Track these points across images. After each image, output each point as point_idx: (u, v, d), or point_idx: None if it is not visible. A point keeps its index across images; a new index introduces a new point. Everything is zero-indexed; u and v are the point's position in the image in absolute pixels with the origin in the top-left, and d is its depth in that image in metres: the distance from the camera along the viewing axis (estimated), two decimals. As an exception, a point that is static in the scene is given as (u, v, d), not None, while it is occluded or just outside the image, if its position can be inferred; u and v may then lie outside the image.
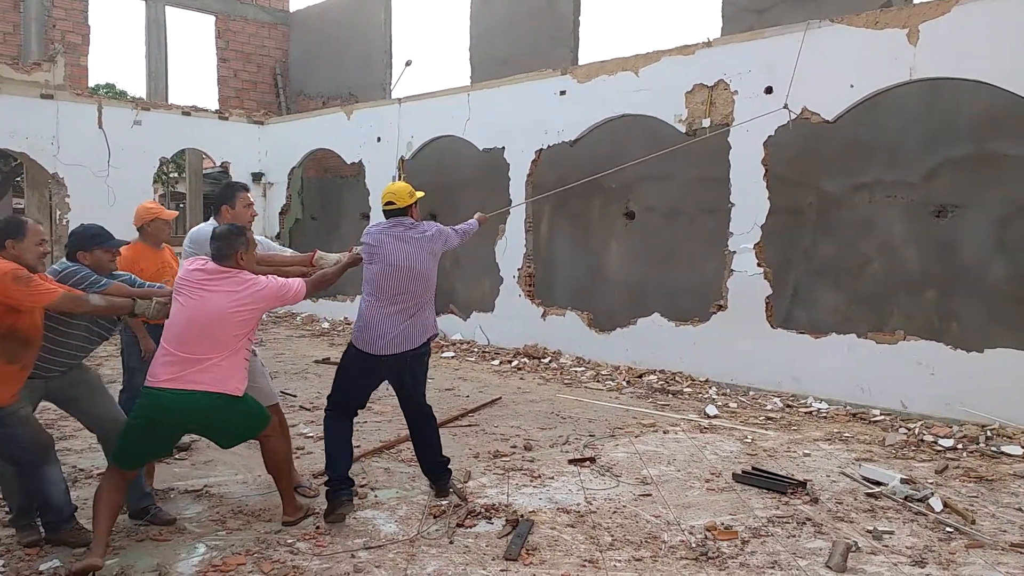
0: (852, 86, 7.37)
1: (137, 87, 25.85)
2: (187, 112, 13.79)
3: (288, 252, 5.13)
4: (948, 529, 4.30)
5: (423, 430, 4.77)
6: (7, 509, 4.33)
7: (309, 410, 7.03)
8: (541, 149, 10.07)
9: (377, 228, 4.56)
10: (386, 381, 4.67)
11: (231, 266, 3.95)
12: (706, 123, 8.41)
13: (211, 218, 4.85)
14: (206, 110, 14.35)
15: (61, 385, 4.01)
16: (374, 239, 4.49)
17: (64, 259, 4.10)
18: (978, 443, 5.99)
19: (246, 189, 4.84)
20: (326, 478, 4.40)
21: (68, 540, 3.89)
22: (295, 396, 7.59)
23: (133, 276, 4.38)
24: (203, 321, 3.80)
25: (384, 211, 4.63)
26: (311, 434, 6.21)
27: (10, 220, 3.79)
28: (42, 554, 3.81)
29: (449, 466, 4.87)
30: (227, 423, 3.95)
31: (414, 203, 4.63)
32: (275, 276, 4.14)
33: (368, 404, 6.71)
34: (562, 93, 9.81)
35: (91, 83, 15.43)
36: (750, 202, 8.04)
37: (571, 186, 8.25)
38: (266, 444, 4.15)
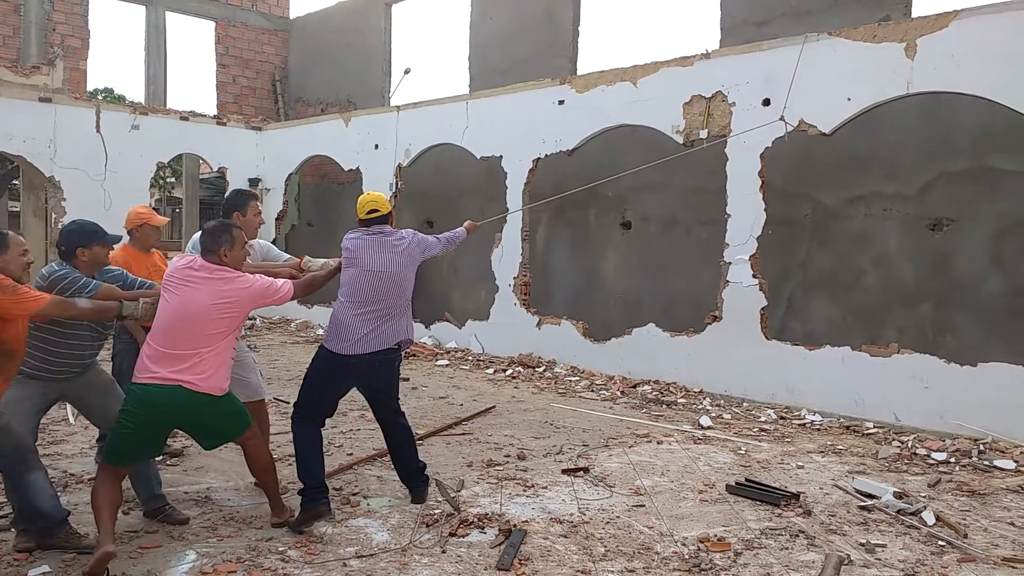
0: (849, 99, 7.41)
1: (135, 91, 25.86)
2: (185, 117, 13.79)
3: (285, 256, 5.21)
4: (940, 543, 4.30)
5: (398, 438, 4.80)
6: (1, 514, 4.33)
7: (303, 417, 7.00)
8: (539, 158, 10.09)
9: (357, 234, 4.66)
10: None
11: (215, 262, 4.01)
12: (703, 134, 8.43)
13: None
14: (204, 115, 14.35)
15: (75, 387, 4.14)
16: (353, 244, 4.60)
17: (54, 262, 4.13)
18: (971, 457, 6.00)
19: (257, 198, 5.02)
20: (301, 487, 4.37)
21: (61, 544, 3.86)
22: (287, 402, 7.55)
23: (125, 272, 4.46)
24: (187, 316, 3.85)
25: (366, 219, 4.69)
26: (304, 441, 6.18)
27: None
28: (32, 560, 3.79)
29: (430, 473, 4.90)
30: (210, 420, 3.99)
31: (390, 211, 4.77)
32: (263, 275, 4.20)
33: (362, 412, 6.72)
34: (560, 103, 9.84)
35: (89, 87, 15.43)
36: (746, 214, 8.06)
37: (565, 195, 8.29)
38: (248, 446, 4.18)
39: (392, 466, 5.43)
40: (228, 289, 3.94)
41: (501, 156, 10.51)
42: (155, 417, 3.83)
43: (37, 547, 3.87)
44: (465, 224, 5.39)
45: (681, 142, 8.69)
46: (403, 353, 4.81)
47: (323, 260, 4.81)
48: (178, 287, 3.93)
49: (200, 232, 4.73)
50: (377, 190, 11.30)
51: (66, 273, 4.01)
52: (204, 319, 3.86)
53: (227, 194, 4.43)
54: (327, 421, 4.70)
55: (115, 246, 4.44)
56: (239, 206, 4.86)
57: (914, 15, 8.44)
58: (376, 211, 4.68)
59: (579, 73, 11.15)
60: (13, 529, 4.00)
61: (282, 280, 4.21)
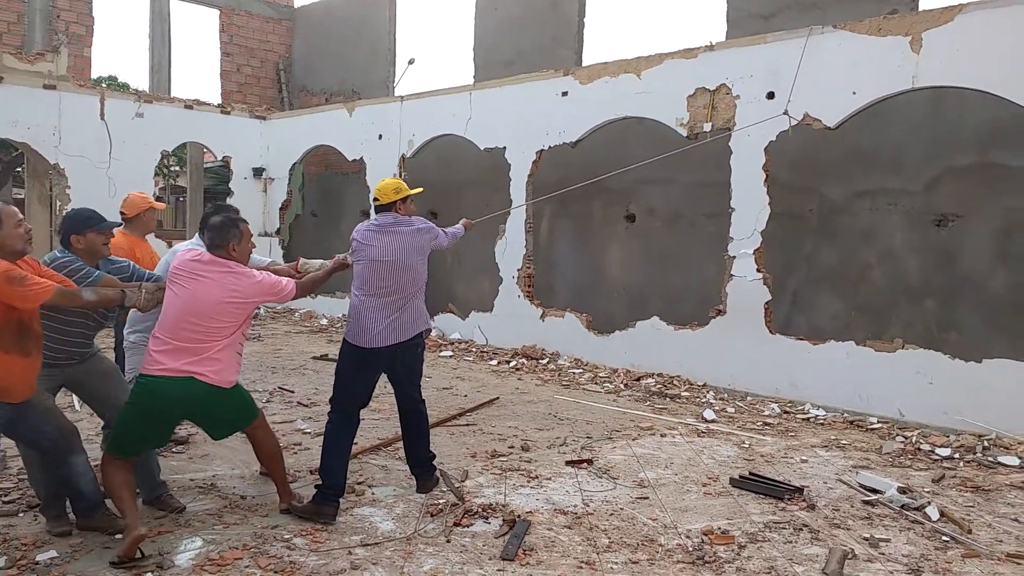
0: (854, 93, 7.37)
1: (140, 79, 25.81)
2: (189, 106, 13.77)
3: (267, 261, 5.15)
4: (944, 538, 4.31)
5: (415, 425, 4.84)
6: (7, 500, 4.34)
7: (307, 406, 7.03)
8: (542, 150, 10.07)
9: (365, 225, 4.70)
10: (384, 377, 4.72)
11: (224, 256, 4.00)
12: (707, 127, 8.40)
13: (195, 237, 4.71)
14: (208, 104, 14.33)
15: (78, 374, 4.12)
16: (361, 236, 4.62)
17: (56, 249, 4.12)
18: (975, 453, 6.00)
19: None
20: (319, 481, 4.38)
21: (100, 526, 3.91)
22: (293, 392, 7.58)
23: (132, 263, 4.41)
24: (197, 309, 3.84)
25: (373, 207, 4.79)
26: (308, 430, 6.20)
27: None
28: (39, 544, 3.80)
29: (434, 463, 4.93)
30: (220, 412, 4.01)
31: (400, 200, 4.71)
32: (269, 272, 4.26)
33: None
34: (564, 94, 9.81)
35: (94, 74, 15.40)
36: (751, 207, 8.04)
37: (569, 189, 8.28)
38: (256, 435, 4.25)
39: (396, 455, 5.46)
40: (237, 284, 3.93)
41: (504, 148, 10.49)
42: (166, 408, 3.83)
43: (76, 529, 3.92)
44: (462, 222, 5.46)
45: (685, 135, 8.67)
46: (425, 339, 4.83)
47: (320, 261, 4.83)
48: (187, 280, 3.89)
49: (201, 227, 4.35)
50: (381, 180, 11.26)
51: (70, 260, 3.99)
52: (214, 312, 3.85)
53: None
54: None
55: (113, 231, 4.32)
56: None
57: (920, 9, 8.41)
58: (376, 199, 4.71)
59: (584, 64, 11.12)
60: (42, 515, 4.02)
61: (286, 279, 4.23)
